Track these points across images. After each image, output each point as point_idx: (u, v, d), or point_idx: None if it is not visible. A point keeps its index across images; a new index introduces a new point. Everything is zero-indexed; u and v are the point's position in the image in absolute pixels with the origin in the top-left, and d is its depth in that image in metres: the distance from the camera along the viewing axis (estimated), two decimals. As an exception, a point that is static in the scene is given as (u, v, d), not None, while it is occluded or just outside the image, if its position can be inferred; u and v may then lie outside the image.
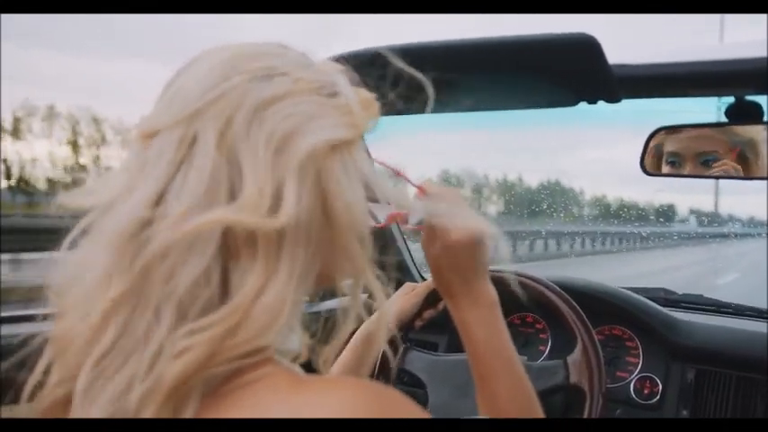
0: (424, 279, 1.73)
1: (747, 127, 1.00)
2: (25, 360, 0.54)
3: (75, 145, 22.48)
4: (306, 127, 0.50)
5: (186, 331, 0.46)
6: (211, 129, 0.49)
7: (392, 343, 1.17)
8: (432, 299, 1.15)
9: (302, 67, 0.53)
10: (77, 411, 0.49)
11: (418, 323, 1.17)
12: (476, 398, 0.74)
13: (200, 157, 0.48)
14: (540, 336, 1.48)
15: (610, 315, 1.43)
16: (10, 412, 0.94)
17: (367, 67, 0.60)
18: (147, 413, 0.45)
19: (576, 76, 0.81)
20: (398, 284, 1.22)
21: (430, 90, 0.60)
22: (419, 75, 0.59)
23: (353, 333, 1.09)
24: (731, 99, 0.90)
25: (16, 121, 21.45)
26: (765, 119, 0.89)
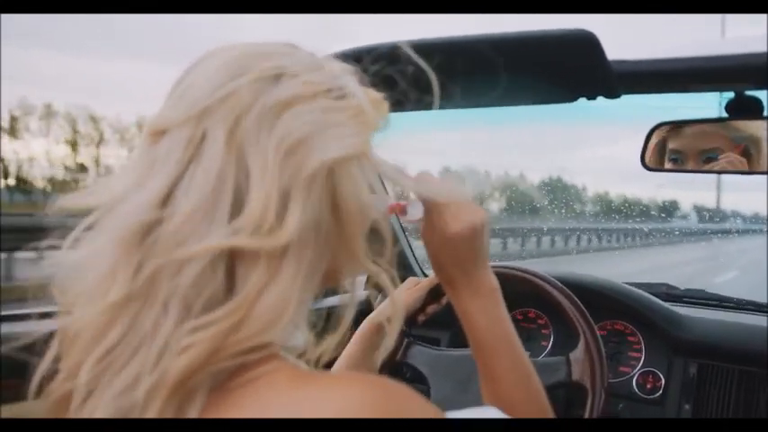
0: (425, 275, 1.74)
1: (749, 123, 1.00)
2: (28, 358, 0.55)
3: (73, 144, 22.34)
4: (317, 138, 0.50)
5: (190, 327, 0.46)
6: (221, 127, 0.49)
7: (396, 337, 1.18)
8: (435, 294, 1.15)
9: (313, 69, 0.53)
10: (78, 405, 0.49)
11: (421, 318, 1.17)
12: (480, 387, 0.75)
13: (208, 155, 0.48)
14: (543, 331, 1.49)
15: (612, 310, 1.43)
16: (16, 410, 0.95)
17: (367, 64, 0.60)
18: (153, 408, 0.45)
19: (574, 71, 0.81)
20: (401, 280, 1.23)
21: (436, 85, 0.60)
22: (428, 69, 0.59)
23: (356, 328, 1.10)
24: (731, 94, 0.90)
25: (13, 120, 21.32)
26: (766, 114, 0.89)
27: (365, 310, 1.26)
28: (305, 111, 0.50)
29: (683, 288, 1.65)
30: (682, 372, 1.33)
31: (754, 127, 1.00)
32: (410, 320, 1.17)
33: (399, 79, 0.61)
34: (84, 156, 22.66)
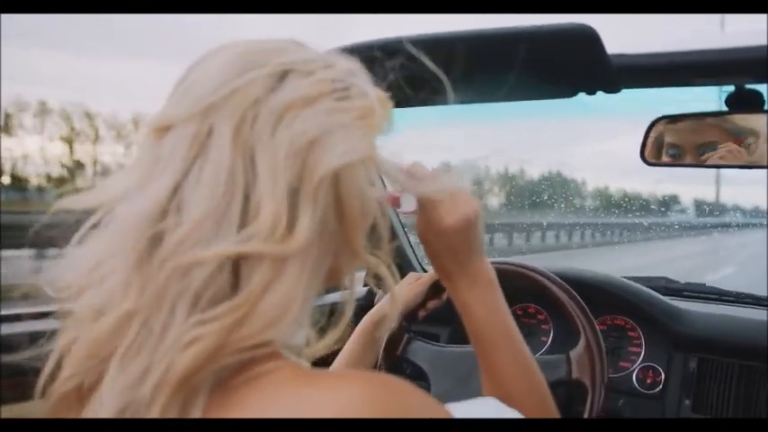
0: (425, 270, 1.74)
1: (749, 117, 0.99)
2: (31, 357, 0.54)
3: (69, 141, 22.15)
4: (327, 141, 0.50)
5: (195, 321, 0.46)
6: (227, 123, 0.49)
7: (396, 333, 1.18)
8: (435, 289, 1.15)
9: (320, 67, 0.53)
10: (96, 404, 0.49)
11: (422, 313, 1.17)
12: (480, 382, 0.75)
13: (215, 152, 0.48)
14: (543, 327, 1.49)
15: (612, 305, 1.43)
16: (17, 410, 0.95)
17: (368, 59, 0.60)
18: (158, 403, 0.45)
19: (574, 66, 0.80)
20: (401, 276, 1.23)
21: (445, 81, 0.60)
22: (433, 66, 0.59)
23: (356, 324, 1.10)
24: (731, 88, 0.90)
25: (7, 117, 21.16)
26: (766, 107, 0.89)
27: (366, 305, 1.26)
28: (314, 113, 0.50)
29: (682, 282, 1.65)
30: (682, 366, 1.33)
31: (754, 120, 1.00)
32: (411, 316, 1.17)
33: (398, 76, 0.61)
34: (80, 153, 22.55)
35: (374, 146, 0.54)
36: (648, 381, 1.35)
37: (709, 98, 1.01)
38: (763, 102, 0.88)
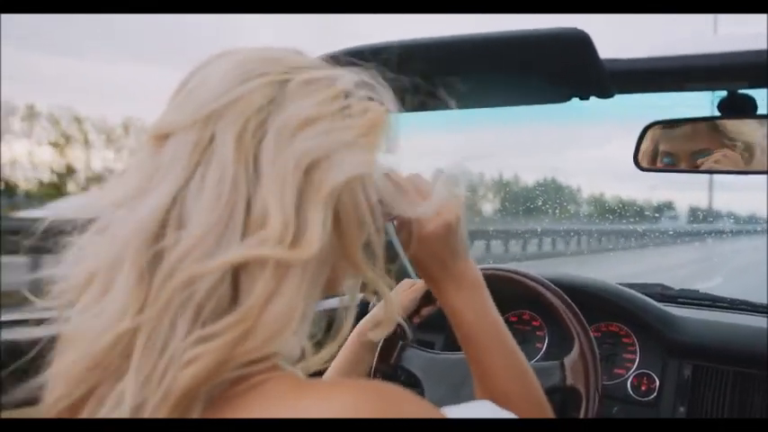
0: (419, 277, 1.73)
1: (741, 125, 1.00)
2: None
3: (57, 145, 21.83)
4: (333, 158, 0.50)
5: (196, 338, 0.45)
6: (230, 131, 0.48)
7: (390, 340, 1.17)
8: (430, 296, 1.15)
9: (323, 77, 0.53)
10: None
11: (416, 320, 1.16)
12: (473, 388, 0.74)
13: (218, 159, 0.48)
14: (537, 333, 1.48)
15: (606, 312, 1.43)
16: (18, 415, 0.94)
17: (365, 64, 0.60)
18: (157, 416, 0.45)
19: (567, 71, 0.80)
20: (395, 282, 1.22)
21: (438, 86, 0.60)
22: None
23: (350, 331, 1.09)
24: (724, 93, 0.90)
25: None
26: (758, 112, 0.89)
27: (360, 313, 1.25)
28: (318, 131, 0.50)
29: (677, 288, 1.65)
30: (676, 373, 1.32)
31: (747, 126, 1.00)
32: (405, 323, 1.16)
33: (392, 81, 0.60)
34: (68, 158, 22.26)
35: (376, 163, 0.55)
36: (643, 388, 1.34)
37: (701, 103, 1.02)
38: (755, 106, 0.88)
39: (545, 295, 1.15)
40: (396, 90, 0.59)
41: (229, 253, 0.46)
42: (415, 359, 1.18)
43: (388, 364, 1.17)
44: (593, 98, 0.87)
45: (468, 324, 0.72)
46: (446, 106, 0.68)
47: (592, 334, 1.10)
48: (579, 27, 0.71)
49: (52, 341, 0.52)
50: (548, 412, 0.74)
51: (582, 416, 1.03)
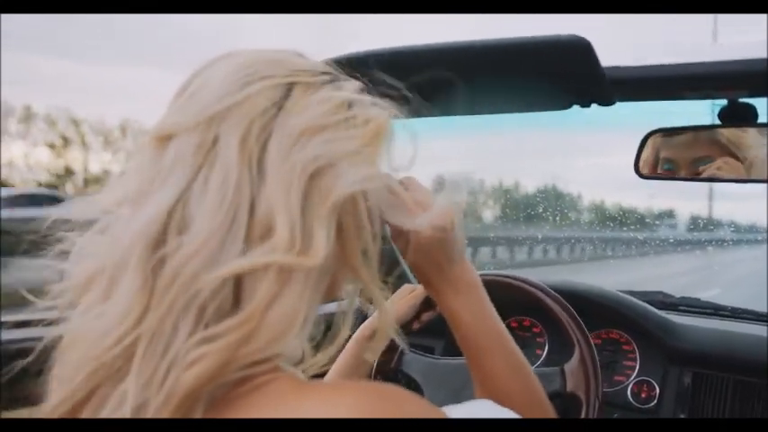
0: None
1: (742, 133, 1.00)
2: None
3: (53, 146, 21.70)
4: (337, 168, 0.51)
5: (199, 339, 0.45)
6: (234, 134, 0.48)
7: (390, 345, 1.17)
8: (430, 301, 1.15)
9: (326, 82, 0.54)
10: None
11: (416, 325, 1.16)
12: (474, 392, 0.74)
13: (221, 162, 0.48)
14: (537, 339, 1.48)
15: (607, 319, 1.43)
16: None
17: (364, 70, 0.60)
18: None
19: (568, 78, 0.81)
20: (395, 288, 1.22)
21: (438, 93, 0.60)
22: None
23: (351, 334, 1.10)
24: (725, 102, 0.91)
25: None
26: (759, 121, 0.89)
27: (362, 316, 1.26)
28: (323, 140, 0.50)
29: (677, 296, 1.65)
30: (676, 381, 1.32)
31: (748, 134, 1.00)
32: (405, 328, 1.16)
33: (391, 87, 0.61)
34: (66, 159, 22.12)
35: (378, 173, 0.55)
36: (643, 395, 1.34)
37: (702, 111, 1.02)
38: (756, 115, 0.88)
39: (545, 302, 1.15)
40: (398, 96, 0.60)
41: (238, 261, 0.46)
42: (415, 364, 1.18)
43: (388, 368, 1.18)
44: (594, 105, 0.87)
45: (466, 326, 0.73)
46: (448, 113, 0.69)
47: (592, 341, 1.10)
48: (578, 31, 0.72)
49: (54, 342, 0.52)
50: (550, 412, 0.74)
51: (582, 422, 1.03)
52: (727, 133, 1.02)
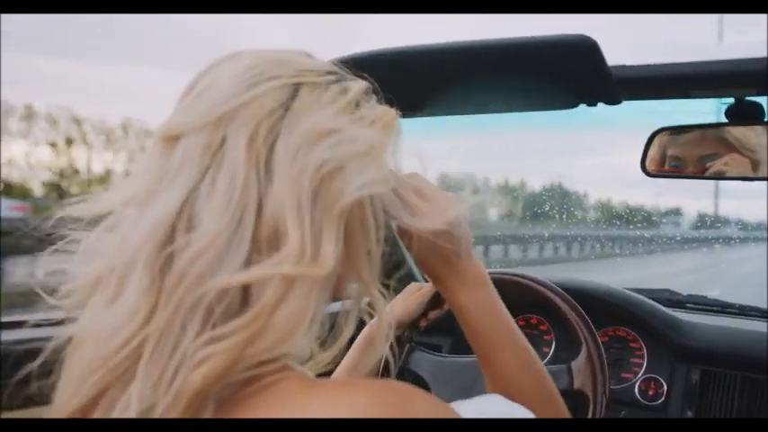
0: (427, 281, 1.73)
1: (749, 131, 1.00)
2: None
3: (55, 145, 21.59)
4: (347, 172, 0.50)
5: (207, 339, 0.45)
6: (241, 134, 0.48)
7: (398, 343, 1.18)
8: (437, 299, 1.15)
9: (333, 82, 0.54)
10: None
11: (423, 323, 1.17)
12: (484, 385, 0.74)
13: (229, 162, 0.48)
14: (545, 337, 1.48)
15: (614, 316, 1.43)
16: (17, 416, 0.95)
17: (369, 70, 0.60)
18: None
19: (575, 77, 0.81)
20: (402, 285, 1.23)
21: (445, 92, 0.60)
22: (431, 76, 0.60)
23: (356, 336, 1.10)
24: (731, 99, 0.91)
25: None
26: (766, 119, 0.89)
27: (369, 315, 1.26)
28: (332, 143, 0.50)
29: (684, 293, 1.65)
30: (684, 378, 1.32)
31: (755, 132, 1.00)
32: (412, 326, 1.17)
33: (396, 86, 0.61)
34: (68, 158, 22.02)
35: (386, 175, 0.55)
36: (651, 392, 1.34)
37: (709, 110, 1.02)
38: (763, 113, 0.88)
39: (553, 300, 1.15)
40: (405, 96, 0.60)
41: (248, 272, 0.46)
42: (423, 362, 1.18)
43: (395, 365, 1.18)
44: (600, 104, 0.87)
45: (474, 320, 0.72)
46: (455, 112, 0.69)
47: (599, 338, 1.10)
48: (578, 31, 0.72)
49: (62, 342, 0.53)
50: (562, 406, 0.74)
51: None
52: (735, 131, 1.02)
